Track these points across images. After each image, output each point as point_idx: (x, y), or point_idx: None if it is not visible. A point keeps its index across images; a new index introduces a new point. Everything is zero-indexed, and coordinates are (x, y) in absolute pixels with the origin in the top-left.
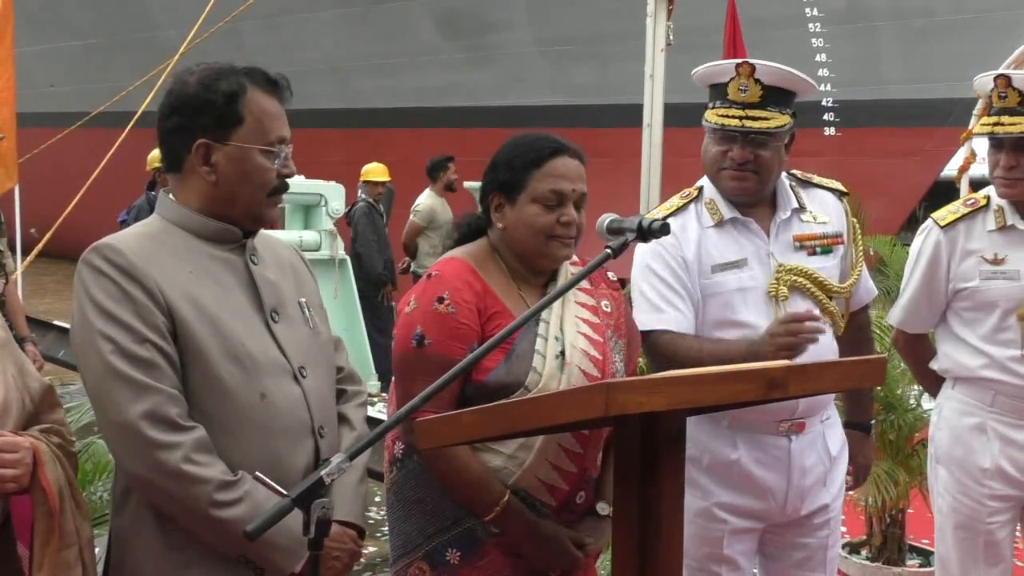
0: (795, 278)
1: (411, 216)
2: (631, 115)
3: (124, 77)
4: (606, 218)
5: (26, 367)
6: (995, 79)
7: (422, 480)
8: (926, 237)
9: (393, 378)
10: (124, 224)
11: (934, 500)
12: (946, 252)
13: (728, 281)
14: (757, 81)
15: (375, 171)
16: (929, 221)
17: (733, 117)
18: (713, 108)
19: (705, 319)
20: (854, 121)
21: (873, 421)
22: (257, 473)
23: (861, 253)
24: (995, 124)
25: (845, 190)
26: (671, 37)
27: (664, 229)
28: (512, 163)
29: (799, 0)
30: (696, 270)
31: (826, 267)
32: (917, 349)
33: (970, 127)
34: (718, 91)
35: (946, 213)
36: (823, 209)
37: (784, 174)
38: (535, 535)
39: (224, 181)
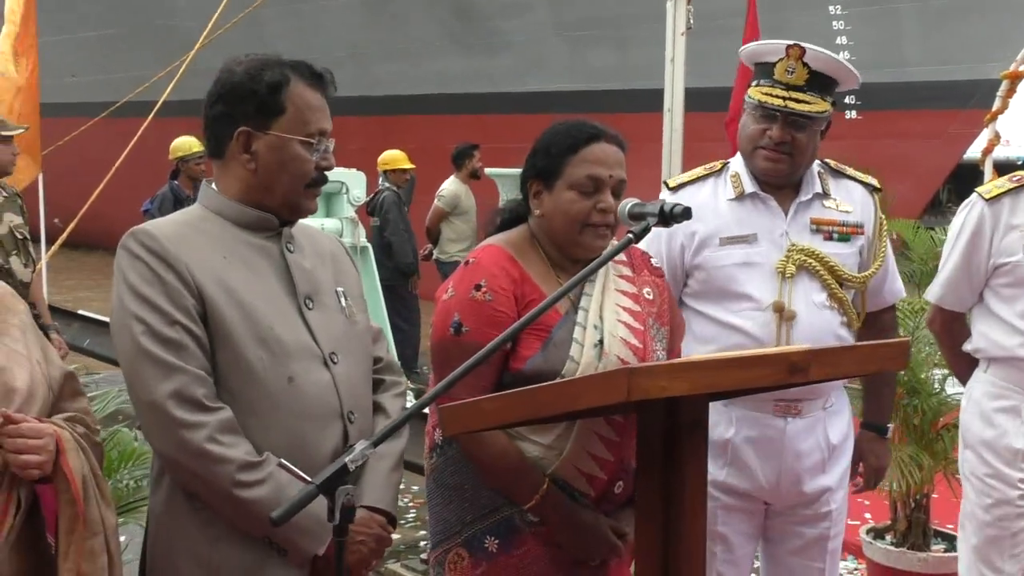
0: (805, 258)
1: (435, 201)
2: (651, 100)
3: (145, 67)
4: (628, 203)
5: (49, 354)
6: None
7: (461, 467)
8: (970, 211)
9: (431, 366)
10: (147, 214)
11: (963, 485)
12: (990, 226)
13: (733, 254)
14: (805, 65)
15: (398, 159)
16: (973, 195)
17: (777, 96)
18: (758, 86)
19: (709, 289)
20: (876, 104)
21: (891, 425)
22: (281, 460)
23: (885, 249)
24: None
25: (879, 186)
26: (691, 21)
27: (686, 213)
28: (549, 149)
29: None
30: (700, 242)
31: (841, 254)
32: (954, 328)
33: (994, 108)
34: (764, 70)
35: (991, 187)
36: (848, 199)
37: (817, 161)
38: (575, 524)
39: (263, 169)
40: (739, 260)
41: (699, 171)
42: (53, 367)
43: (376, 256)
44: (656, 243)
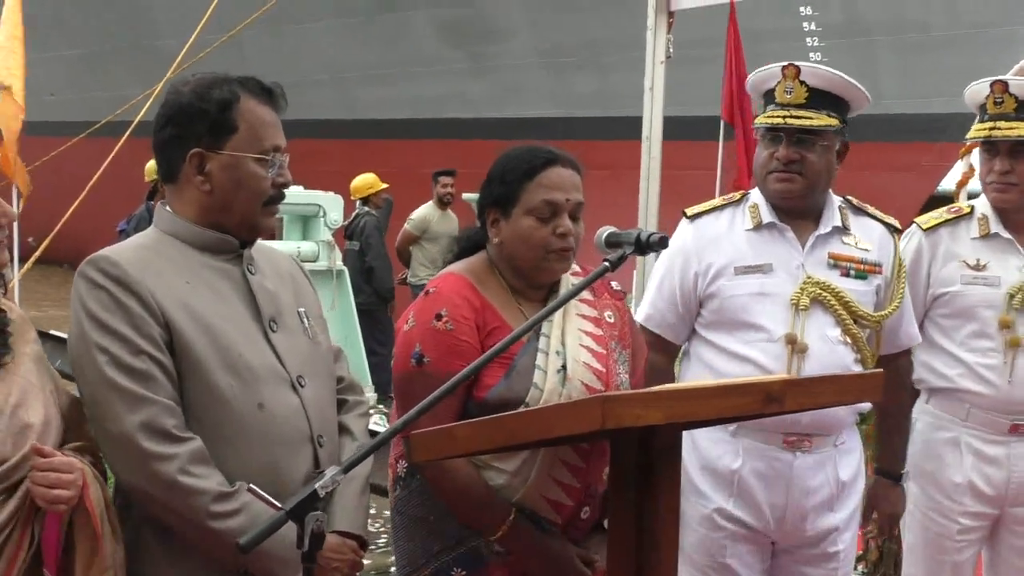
0: (820, 291)
1: (405, 224)
2: (630, 127)
3: (126, 87)
4: (604, 231)
5: (57, 380)
6: (991, 84)
7: (426, 498)
8: (908, 241)
9: (394, 399)
10: (123, 234)
11: (904, 518)
12: (927, 256)
13: (748, 284)
14: (803, 83)
15: (371, 183)
16: (912, 225)
17: (777, 116)
18: (763, 113)
19: (722, 319)
20: (851, 135)
21: (906, 471)
22: (251, 486)
23: (903, 292)
24: (991, 128)
25: (899, 227)
26: (671, 50)
27: (663, 242)
28: (505, 176)
29: (796, 13)
30: (716, 272)
31: (857, 291)
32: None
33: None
34: (767, 96)
35: (928, 218)
36: (868, 237)
37: (839, 197)
38: (543, 553)
39: (219, 190)
40: (754, 290)
41: (717, 201)
42: (62, 394)
43: (353, 280)
44: (670, 273)
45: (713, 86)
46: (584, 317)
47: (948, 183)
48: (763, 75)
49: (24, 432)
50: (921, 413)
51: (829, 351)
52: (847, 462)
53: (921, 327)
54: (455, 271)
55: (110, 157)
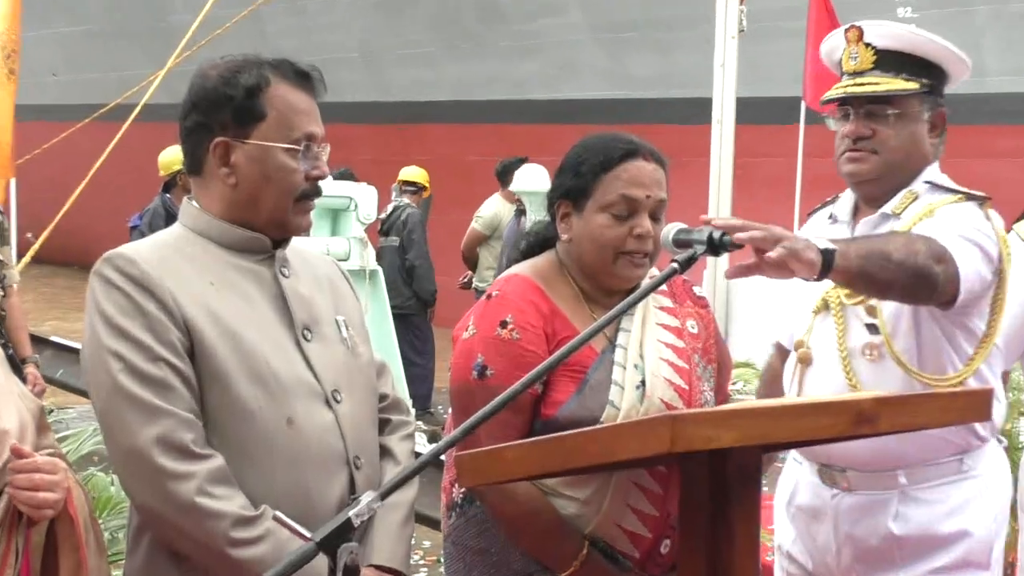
0: (842, 297)
1: (473, 223)
2: (698, 111)
3: (136, 66)
4: (672, 228)
5: (22, 385)
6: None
7: (485, 528)
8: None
9: (450, 412)
10: (136, 230)
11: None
12: None
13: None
14: (868, 45)
15: (421, 177)
16: (1012, 231)
17: (840, 88)
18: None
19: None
20: (952, 118)
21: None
22: (276, 512)
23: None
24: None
25: (983, 195)
26: (744, 22)
27: (735, 241)
28: (579, 167)
29: None
30: None
31: None
32: None
33: None
34: (839, 68)
35: None
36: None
37: (928, 178)
38: None
39: (244, 183)
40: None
41: (829, 198)
42: (28, 400)
43: (390, 280)
44: None
45: (792, 63)
46: (665, 327)
47: None
48: (830, 44)
49: (1, 438)
50: None
51: (833, 364)
52: (913, 512)
53: None
54: (521, 272)
55: (113, 142)
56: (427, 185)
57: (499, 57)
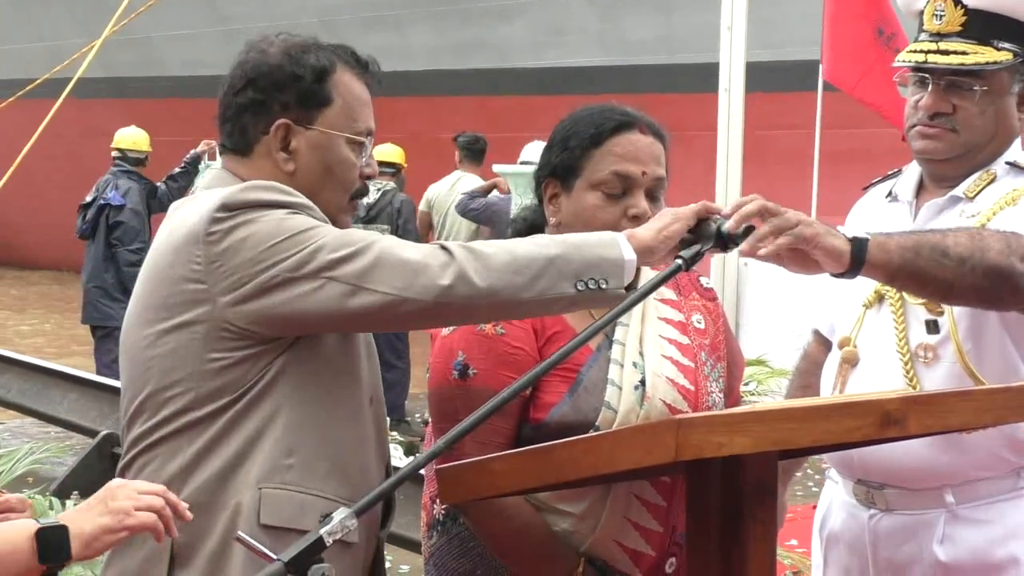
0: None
1: (421, 205)
2: (703, 78)
3: (67, 36)
4: None
5: None
6: None
7: (470, 547)
8: None
9: (431, 420)
10: (125, 209)
11: None
12: None
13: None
14: (958, 4)
15: (398, 154)
16: None
17: (919, 52)
18: (913, 42)
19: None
20: None
21: None
22: (239, 533)
23: None
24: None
25: None
26: None
27: (747, 232)
28: (568, 141)
29: None
30: None
31: None
32: None
33: None
34: (918, 21)
35: None
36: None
37: (1013, 156)
38: None
39: (304, 172)
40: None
41: (890, 172)
42: None
43: None
44: None
45: (810, 21)
46: (667, 321)
47: None
48: None
49: None
50: None
51: (887, 366)
52: (968, 536)
53: None
54: None
55: (45, 121)
56: (404, 164)
57: (477, 20)
